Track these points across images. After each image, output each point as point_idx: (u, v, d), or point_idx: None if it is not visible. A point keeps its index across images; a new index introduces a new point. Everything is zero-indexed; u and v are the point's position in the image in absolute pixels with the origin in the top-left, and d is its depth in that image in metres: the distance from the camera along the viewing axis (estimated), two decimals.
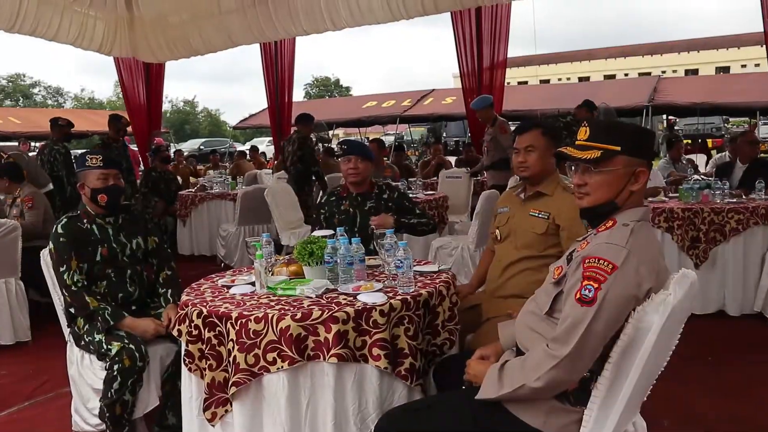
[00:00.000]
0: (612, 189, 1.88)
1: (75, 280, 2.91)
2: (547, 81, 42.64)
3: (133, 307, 3.06)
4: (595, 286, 1.72)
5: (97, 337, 2.83)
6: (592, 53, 45.92)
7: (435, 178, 8.51)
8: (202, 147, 29.64)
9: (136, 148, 12.83)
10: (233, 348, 2.19)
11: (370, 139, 15.60)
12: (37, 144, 20.44)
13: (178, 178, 9.34)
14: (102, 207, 3.05)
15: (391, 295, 2.36)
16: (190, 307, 2.39)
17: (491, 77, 9.33)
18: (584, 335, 1.71)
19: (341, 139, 6.23)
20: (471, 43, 9.27)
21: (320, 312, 2.17)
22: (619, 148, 1.86)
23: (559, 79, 43.17)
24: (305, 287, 2.42)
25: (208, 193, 7.80)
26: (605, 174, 1.88)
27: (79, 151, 6.62)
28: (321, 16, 8.58)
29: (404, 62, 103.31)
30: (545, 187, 2.89)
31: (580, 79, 42.31)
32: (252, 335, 2.16)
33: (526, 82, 41.83)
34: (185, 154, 13.58)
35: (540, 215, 2.83)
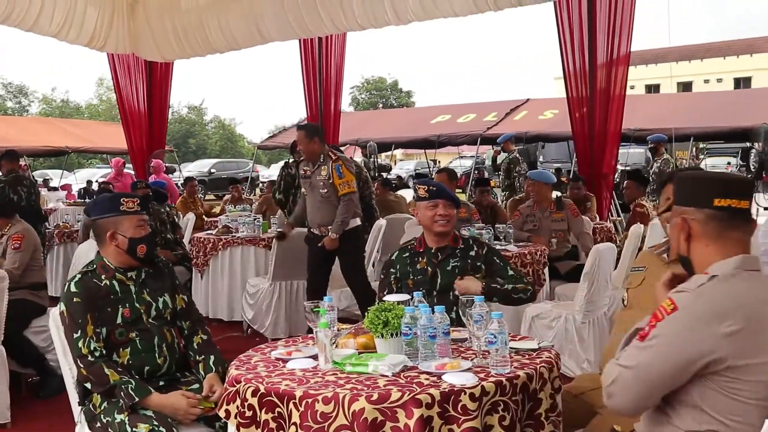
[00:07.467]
0: (675, 242, 2.35)
1: (92, 348, 3.27)
2: (689, 85, 42.06)
3: (161, 383, 3.41)
4: (652, 323, 2.15)
5: (119, 417, 3.18)
6: (754, 44, 44.93)
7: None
8: (213, 170, 30.21)
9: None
10: None
11: (439, 167, 15.69)
12: None
13: (180, 214, 9.27)
14: (139, 260, 3.48)
15: (482, 376, 2.68)
16: (243, 383, 2.75)
17: (608, 79, 9.34)
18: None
19: (421, 179, 6.43)
20: (580, 32, 9.40)
21: (400, 393, 2.49)
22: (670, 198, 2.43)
23: (706, 81, 42.43)
24: (379, 363, 2.77)
25: (234, 237, 7.89)
26: (671, 226, 2.40)
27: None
28: (381, 6, 9.07)
29: (485, 60, 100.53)
30: None
31: (737, 83, 41.54)
32: (319, 418, 2.50)
33: (657, 87, 41.18)
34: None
35: None
